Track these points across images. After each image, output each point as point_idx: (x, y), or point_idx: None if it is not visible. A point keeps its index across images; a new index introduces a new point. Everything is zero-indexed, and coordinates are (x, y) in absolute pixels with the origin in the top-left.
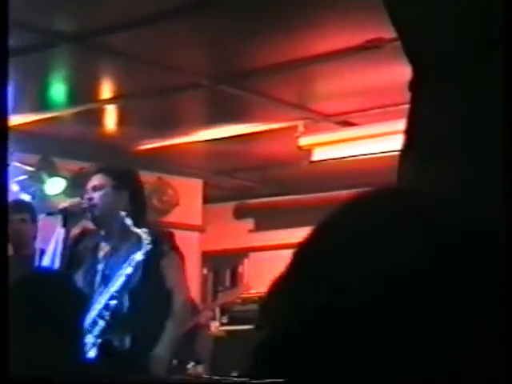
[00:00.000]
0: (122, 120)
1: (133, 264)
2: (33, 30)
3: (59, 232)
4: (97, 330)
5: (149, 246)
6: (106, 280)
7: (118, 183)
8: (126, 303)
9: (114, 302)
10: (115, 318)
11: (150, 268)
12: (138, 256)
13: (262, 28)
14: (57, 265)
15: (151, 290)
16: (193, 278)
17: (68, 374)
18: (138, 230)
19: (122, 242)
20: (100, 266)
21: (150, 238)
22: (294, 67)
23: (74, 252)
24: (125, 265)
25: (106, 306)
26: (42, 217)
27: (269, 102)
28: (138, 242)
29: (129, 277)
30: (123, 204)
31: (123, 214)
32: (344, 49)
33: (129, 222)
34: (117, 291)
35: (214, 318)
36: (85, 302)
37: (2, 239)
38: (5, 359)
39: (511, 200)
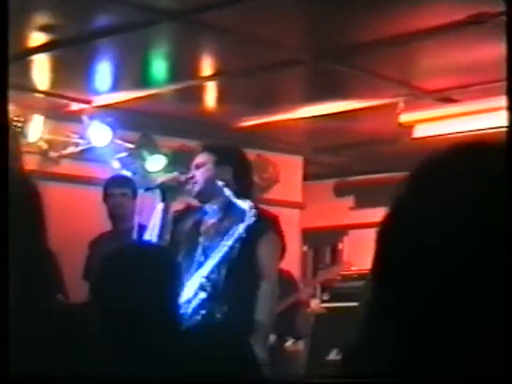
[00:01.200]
0: (222, 97)
1: (235, 235)
2: (133, 7)
3: (158, 207)
4: (198, 301)
5: (252, 220)
6: (207, 252)
7: (221, 158)
8: (225, 275)
9: (215, 274)
10: (216, 289)
11: (249, 243)
12: (241, 228)
13: (364, 3)
14: (157, 239)
15: (245, 266)
16: (293, 255)
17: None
18: (242, 202)
19: (225, 215)
20: (202, 239)
21: (253, 212)
22: (396, 43)
23: (177, 228)
24: (227, 236)
25: (208, 278)
26: (140, 192)
27: (370, 78)
28: (241, 215)
29: (230, 248)
30: (226, 179)
31: (221, 184)
32: (447, 24)
33: (228, 192)
34: (218, 262)
35: (314, 295)
36: (180, 276)
37: (2, 238)
38: (5, 359)
39: None
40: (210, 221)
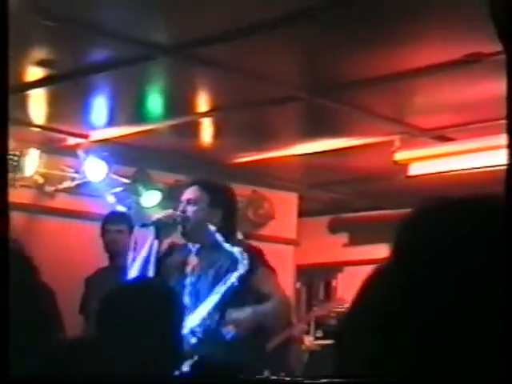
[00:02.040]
0: (218, 132)
1: (228, 284)
2: (130, 42)
3: (152, 242)
4: (188, 346)
5: (245, 268)
6: (197, 296)
7: (213, 200)
8: (216, 321)
9: (207, 320)
10: (207, 335)
11: (244, 286)
12: (234, 277)
13: (360, 41)
14: (148, 273)
15: (247, 303)
16: (286, 291)
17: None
18: (232, 248)
19: (212, 258)
20: (188, 281)
21: (246, 258)
22: (392, 81)
23: (162, 265)
24: (220, 283)
25: (200, 323)
26: (136, 228)
27: (365, 115)
28: (231, 260)
29: (223, 296)
30: (215, 221)
31: (213, 228)
32: (442, 63)
33: (220, 237)
34: (212, 309)
35: (308, 332)
36: (184, 312)
37: (2, 238)
38: (5, 359)
39: None
40: (195, 261)
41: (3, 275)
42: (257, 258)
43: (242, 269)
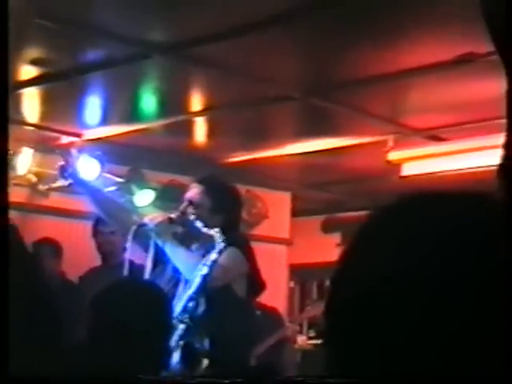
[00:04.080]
0: (212, 132)
1: (209, 263)
2: (124, 41)
3: (150, 243)
4: (177, 334)
5: (222, 245)
6: (175, 283)
7: (216, 205)
8: (203, 304)
9: (191, 305)
10: (194, 321)
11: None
12: (213, 255)
13: (353, 41)
14: (149, 275)
15: (221, 293)
16: (280, 290)
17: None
18: (210, 231)
19: (193, 243)
20: (171, 268)
21: (222, 237)
22: (385, 81)
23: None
24: (199, 265)
25: (185, 309)
26: (133, 228)
27: (359, 115)
28: (211, 242)
29: (204, 277)
30: (216, 226)
31: (193, 217)
32: (435, 63)
33: (199, 224)
34: (194, 293)
35: (301, 332)
36: (170, 309)
37: (2, 238)
38: (5, 359)
39: None
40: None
41: (3, 275)
42: (236, 242)
43: (218, 246)
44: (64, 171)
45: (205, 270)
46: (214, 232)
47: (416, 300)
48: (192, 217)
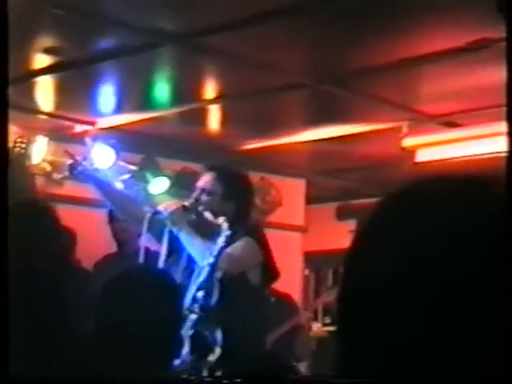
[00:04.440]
0: (225, 120)
1: (215, 252)
2: (137, 30)
3: (165, 231)
4: (187, 324)
5: (227, 231)
6: (190, 272)
7: (228, 193)
8: (213, 294)
9: (201, 294)
10: (204, 310)
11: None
12: (220, 242)
13: (366, 28)
14: (164, 263)
15: (230, 280)
16: (294, 278)
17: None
18: (217, 220)
19: (207, 231)
20: (186, 257)
21: (228, 225)
22: (399, 67)
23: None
24: (208, 255)
25: (194, 299)
26: (148, 216)
27: (372, 102)
28: (217, 231)
29: (212, 266)
30: (229, 213)
31: (203, 207)
32: (449, 49)
33: (208, 215)
34: (202, 282)
35: (315, 319)
36: (181, 299)
37: (2, 238)
38: (5, 359)
39: None
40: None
41: (3, 275)
42: (246, 228)
43: (224, 233)
44: (73, 169)
45: (211, 259)
46: (221, 221)
47: (431, 290)
48: (201, 207)
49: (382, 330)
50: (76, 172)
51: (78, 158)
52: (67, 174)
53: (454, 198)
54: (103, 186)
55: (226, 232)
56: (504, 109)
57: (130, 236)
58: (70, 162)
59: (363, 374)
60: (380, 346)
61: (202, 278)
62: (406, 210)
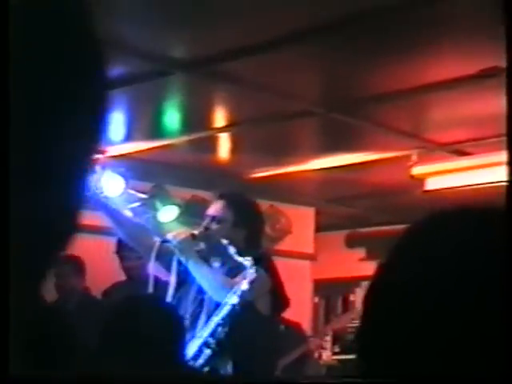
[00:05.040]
0: (235, 147)
1: (238, 293)
2: (147, 58)
3: (173, 260)
4: (202, 359)
5: (253, 275)
6: (200, 303)
7: (239, 220)
8: (228, 331)
9: (219, 331)
10: (220, 346)
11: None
12: (244, 285)
13: (376, 56)
14: (172, 293)
15: (248, 321)
16: (304, 305)
17: None
18: (243, 259)
19: (228, 273)
20: (196, 288)
21: (254, 268)
22: (408, 96)
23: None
24: (229, 294)
25: (213, 335)
26: (157, 244)
27: (382, 130)
28: (241, 270)
29: (234, 306)
30: (239, 240)
31: (226, 242)
32: (459, 77)
33: (232, 250)
34: (222, 319)
35: (325, 347)
36: (184, 332)
37: (2, 238)
38: (5, 359)
39: None
40: None
41: (3, 274)
42: (265, 267)
43: (249, 276)
44: None
45: (235, 300)
46: (247, 260)
47: (451, 315)
48: (224, 241)
49: (407, 360)
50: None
51: (89, 186)
52: None
53: (477, 228)
54: (113, 213)
55: (250, 272)
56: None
57: (138, 265)
58: None
59: None
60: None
61: (222, 314)
62: (431, 240)
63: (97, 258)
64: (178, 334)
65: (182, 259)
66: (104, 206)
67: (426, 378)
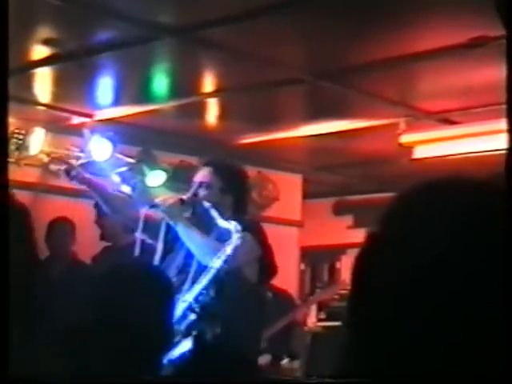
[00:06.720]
0: (222, 114)
1: (223, 257)
2: (136, 23)
3: (162, 224)
4: (187, 323)
5: (239, 241)
6: (187, 267)
7: (226, 185)
8: (213, 296)
9: (203, 295)
10: (205, 311)
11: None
12: (228, 249)
13: (365, 24)
14: (160, 258)
15: (233, 285)
16: (290, 272)
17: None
18: (227, 224)
19: (205, 226)
20: (183, 256)
21: (240, 233)
22: (397, 64)
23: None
24: (214, 258)
25: (197, 299)
26: (144, 209)
27: (371, 98)
28: (227, 236)
29: (218, 270)
30: (227, 206)
31: (208, 205)
32: (447, 47)
33: (215, 213)
34: (207, 284)
35: (310, 314)
36: (172, 295)
37: (2, 240)
38: (5, 359)
39: None
40: None
41: (3, 273)
42: (254, 234)
43: (235, 242)
44: (68, 174)
45: (219, 264)
46: (231, 225)
47: (440, 283)
48: (206, 204)
49: (397, 329)
50: (70, 176)
51: (73, 161)
52: (63, 177)
53: (465, 196)
54: (98, 189)
55: (236, 237)
56: (504, 106)
57: (117, 230)
58: (64, 167)
59: (372, 371)
60: (393, 345)
61: (207, 278)
62: (421, 208)
63: (86, 222)
64: (164, 298)
65: (171, 223)
66: (88, 182)
67: (415, 351)
